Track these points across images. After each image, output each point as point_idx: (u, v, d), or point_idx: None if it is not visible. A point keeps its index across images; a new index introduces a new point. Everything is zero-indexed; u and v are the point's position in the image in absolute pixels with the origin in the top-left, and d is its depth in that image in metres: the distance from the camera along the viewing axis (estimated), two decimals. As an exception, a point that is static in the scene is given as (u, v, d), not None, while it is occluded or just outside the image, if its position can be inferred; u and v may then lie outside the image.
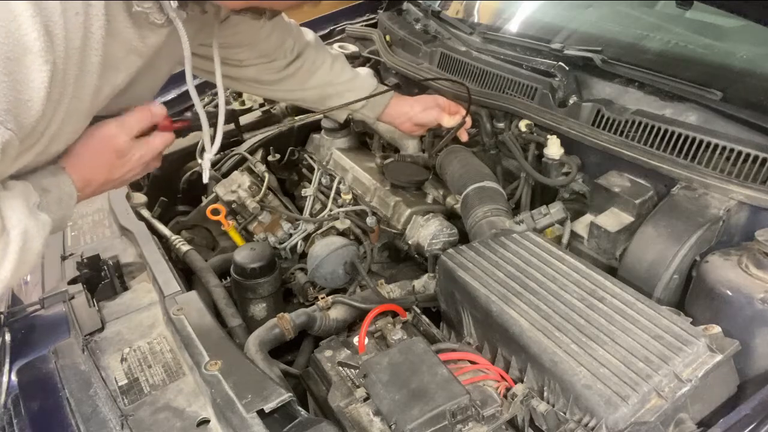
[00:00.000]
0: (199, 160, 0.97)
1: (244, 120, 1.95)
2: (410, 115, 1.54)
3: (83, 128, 0.92)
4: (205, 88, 2.07)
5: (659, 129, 1.25)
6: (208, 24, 1.08)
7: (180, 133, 1.10)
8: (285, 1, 0.97)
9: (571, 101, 1.43)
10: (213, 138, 1.09)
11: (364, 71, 1.61)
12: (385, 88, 1.58)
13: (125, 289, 1.27)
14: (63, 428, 0.99)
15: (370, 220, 1.56)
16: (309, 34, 1.50)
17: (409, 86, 1.89)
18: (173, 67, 1.09)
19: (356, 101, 1.50)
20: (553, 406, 0.91)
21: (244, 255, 1.41)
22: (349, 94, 1.51)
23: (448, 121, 1.54)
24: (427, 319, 1.18)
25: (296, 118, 1.97)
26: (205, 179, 1.10)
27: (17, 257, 0.81)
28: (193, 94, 1.04)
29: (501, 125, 1.54)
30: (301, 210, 1.77)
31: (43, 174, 0.90)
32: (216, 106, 1.95)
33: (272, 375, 1.03)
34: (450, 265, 1.12)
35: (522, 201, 1.51)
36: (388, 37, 2.02)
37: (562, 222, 1.29)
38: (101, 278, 1.24)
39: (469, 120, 1.57)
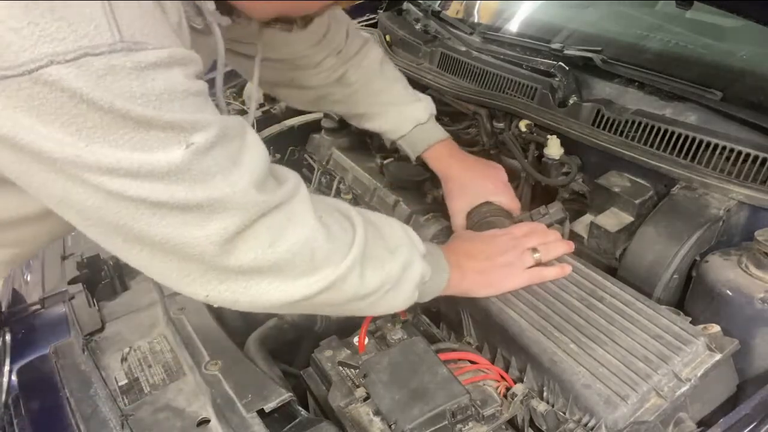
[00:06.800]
0: None
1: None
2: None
3: None
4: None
5: (659, 129, 1.25)
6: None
7: None
8: (317, 1, 0.84)
9: (571, 101, 1.43)
10: None
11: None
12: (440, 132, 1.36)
13: (125, 289, 1.27)
14: (63, 428, 0.99)
15: (370, 220, 1.56)
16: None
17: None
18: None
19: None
20: (553, 406, 0.91)
21: (244, 255, 1.41)
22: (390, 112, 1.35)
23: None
24: (427, 319, 1.18)
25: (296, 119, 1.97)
26: None
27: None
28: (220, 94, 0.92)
29: (501, 125, 1.54)
30: (301, 210, 1.76)
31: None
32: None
33: (272, 375, 1.03)
34: (450, 265, 1.12)
35: (522, 201, 1.51)
36: (388, 37, 2.02)
37: (561, 222, 1.29)
38: (101, 278, 1.24)
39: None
